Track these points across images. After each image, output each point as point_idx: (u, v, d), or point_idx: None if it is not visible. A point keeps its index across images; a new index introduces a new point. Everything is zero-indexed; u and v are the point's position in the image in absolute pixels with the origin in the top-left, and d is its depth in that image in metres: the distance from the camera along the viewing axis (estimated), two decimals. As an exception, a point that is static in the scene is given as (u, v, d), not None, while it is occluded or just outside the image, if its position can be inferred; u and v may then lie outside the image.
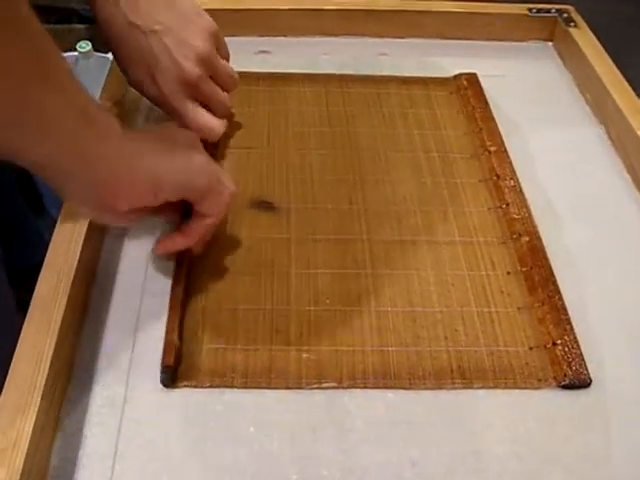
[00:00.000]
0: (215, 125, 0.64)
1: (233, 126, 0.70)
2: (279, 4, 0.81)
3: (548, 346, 0.53)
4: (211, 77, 0.63)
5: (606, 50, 0.77)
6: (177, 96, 0.61)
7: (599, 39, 0.79)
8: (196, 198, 0.52)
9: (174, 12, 0.62)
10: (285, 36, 0.83)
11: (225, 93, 0.65)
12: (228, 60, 0.66)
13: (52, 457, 0.46)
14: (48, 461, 0.46)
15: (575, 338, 0.53)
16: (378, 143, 0.70)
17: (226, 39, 0.81)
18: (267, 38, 0.82)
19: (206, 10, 0.79)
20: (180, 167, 0.51)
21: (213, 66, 0.63)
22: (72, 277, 0.52)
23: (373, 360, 0.52)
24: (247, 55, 0.80)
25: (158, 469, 0.46)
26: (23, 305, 0.51)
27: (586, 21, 0.82)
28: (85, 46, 1.39)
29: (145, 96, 0.64)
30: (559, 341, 0.53)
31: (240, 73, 0.75)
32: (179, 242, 0.55)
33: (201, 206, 0.53)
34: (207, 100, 0.64)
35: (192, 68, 0.61)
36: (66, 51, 1.46)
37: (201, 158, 0.53)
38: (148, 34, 0.60)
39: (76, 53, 1.40)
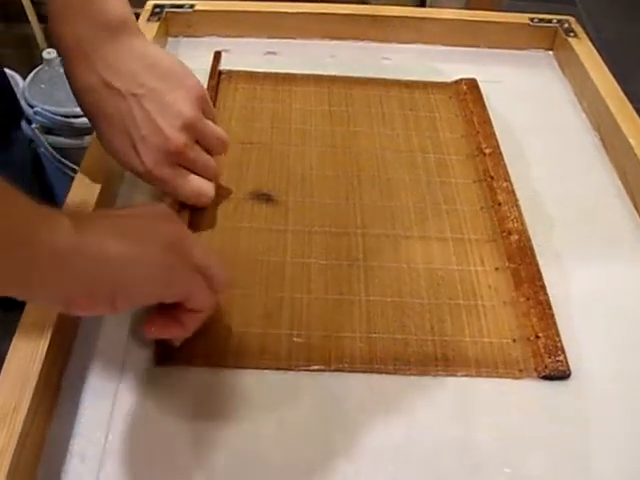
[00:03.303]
0: (205, 189, 0.60)
1: (237, 121, 0.73)
2: (287, 7, 0.84)
3: (531, 339, 0.55)
4: (198, 141, 0.59)
5: (614, 64, 0.79)
6: (161, 166, 0.56)
7: (607, 54, 0.81)
8: (177, 300, 0.47)
9: (157, 73, 0.56)
10: (292, 38, 0.85)
11: (211, 158, 0.60)
12: (215, 122, 0.61)
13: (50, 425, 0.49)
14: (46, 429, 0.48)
15: (557, 332, 0.55)
16: (377, 142, 0.72)
17: (234, 40, 0.84)
18: (274, 40, 0.85)
19: (216, 12, 0.83)
20: (150, 276, 0.44)
21: (200, 131, 0.58)
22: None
23: (360, 346, 0.54)
24: (255, 55, 0.83)
25: (151, 444, 0.48)
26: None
27: (596, 36, 0.84)
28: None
29: (124, 167, 0.58)
30: (541, 334, 0.55)
31: (247, 72, 0.78)
32: (174, 332, 0.50)
33: (188, 304, 0.47)
34: (194, 166, 0.59)
35: (177, 136, 0.56)
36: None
37: (178, 261, 0.46)
38: (128, 98, 0.55)
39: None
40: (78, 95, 0.56)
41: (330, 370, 0.52)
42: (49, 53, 1.51)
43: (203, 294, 0.48)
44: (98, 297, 0.42)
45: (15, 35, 2.29)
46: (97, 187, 0.60)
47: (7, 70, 1.41)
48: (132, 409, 0.50)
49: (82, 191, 0.60)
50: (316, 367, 0.52)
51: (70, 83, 0.56)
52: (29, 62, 1.77)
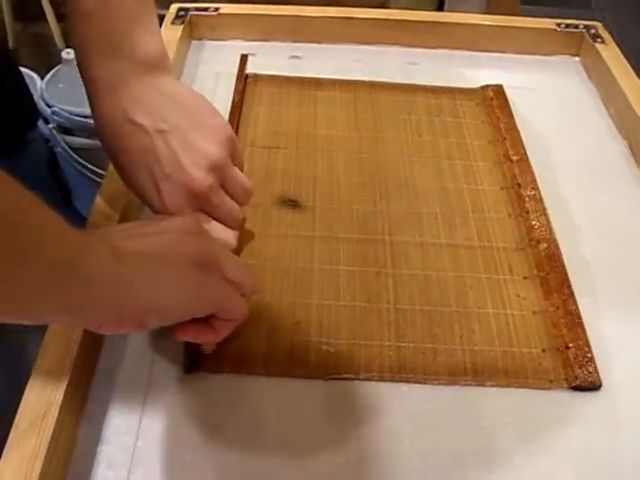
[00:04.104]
0: (228, 239, 0.56)
1: (263, 126, 0.72)
2: (312, 11, 0.84)
3: (561, 349, 0.54)
4: (222, 187, 0.55)
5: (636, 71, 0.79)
6: (181, 208, 0.53)
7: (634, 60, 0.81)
8: (210, 313, 0.47)
9: (184, 110, 0.54)
10: (317, 42, 0.85)
11: (237, 206, 0.57)
12: (242, 169, 0.58)
13: (79, 430, 0.48)
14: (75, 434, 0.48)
15: (587, 342, 0.54)
16: (403, 149, 0.72)
17: (258, 44, 0.84)
18: (299, 44, 0.85)
19: (240, 15, 0.83)
20: (181, 295, 0.44)
21: (225, 175, 0.55)
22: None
23: (390, 354, 0.54)
24: (279, 59, 0.83)
25: (179, 451, 0.48)
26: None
27: (621, 41, 0.83)
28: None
29: (145, 203, 0.56)
30: (572, 344, 0.54)
31: (272, 76, 0.78)
32: (206, 338, 0.49)
33: (220, 315, 0.48)
34: (216, 212, 0.55)
35: (202, 177, 0.52)
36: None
37: (208, 276, 0.46)
38: (152, 134, 0.52)
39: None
40: (100, 128, 0.55)
41: (360, 379, 0.52)
42: (68, 53, 1.52)
43: (235, 304, 0.48)
44: (128, 319, 0.42)
45: (33, 34, 2.30)
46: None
47: (24, 69, 1.42)
48: (161, 416, 0.50)
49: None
50: (346, 376, 0.52)
51: (93, 115, 0.55)
52: (47, 61, 1.77)
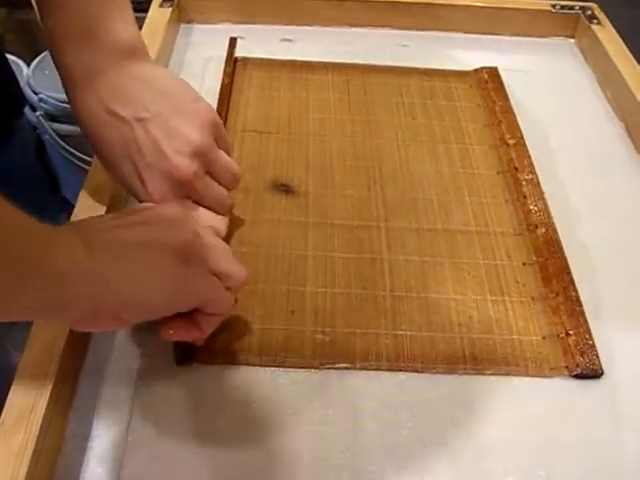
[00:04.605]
0: (216, 226, 0.54)
1: (254, 110, 0.71)
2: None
3: (561, 336, 0.53)
4: (208, 172, 0.53)
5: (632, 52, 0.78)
6: (167, 197, 0.51)
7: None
8: (194, 308, 0.45)
9: (165, 97, 0.52)
10: (309, 25, 0.83)
11: (225, 192, 0.55)
12: (230, 154, 0.56)
13: (68, 425, 0.47)
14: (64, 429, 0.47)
15: (588, 329, 0.53)
16: (398, 132, 0.70)
17: (249, 27, 0.82)
18: (291, 27, 0.83)
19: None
20: (162, 290, 0.42)
21: (211, 160, 0.53)
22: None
23: (386, 343, 0.52)
24: (271, 42, 0.81)
25: (171, 445, 0.46)
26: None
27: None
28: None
29: (130, 194, 0.54)
30: (572, 331, 0.53)
31: (263, 60, 0.76)
32: (192, 335, 0.47)
33: (205, 309, 0.46)
34: (203, 199, 0.53)
35: (185, 164, 0.50)
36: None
37: (191, 270, 0.44)
38: (132, 123, 0.51)
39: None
40: (80, 121, 0.52)
41: (356, 368, 0.51)
42: (54, 39, 1.49)
43: (221, 298, 0.46)
44: (106, 315, 0.41)
45: (18, 21, 2.26)
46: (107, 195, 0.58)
47: (10, 56, 1.39)
48: (152, 410, 0.48)
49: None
50: (342, 365, 0.51)
51: (71, 106, 0.53)
52: (33, 48, 1.74)
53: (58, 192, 1.45)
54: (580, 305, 0.55)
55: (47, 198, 1.33)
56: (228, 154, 0.55)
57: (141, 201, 0.52)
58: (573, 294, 0.55)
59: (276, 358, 0.51)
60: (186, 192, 0.52)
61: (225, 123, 0.68)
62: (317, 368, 0.51)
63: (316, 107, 0.72)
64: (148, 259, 0.42)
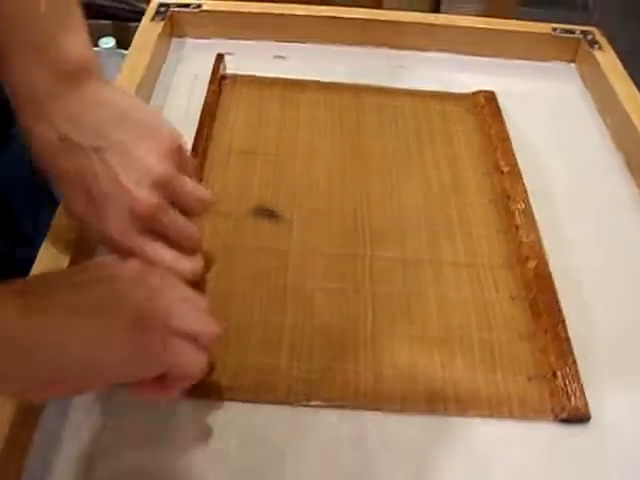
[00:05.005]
0: (182, 268, 0.49)
1: (241, 130, 0.69)
2: (298, 9, 0.80)
3: (548, 377, 0.51)
4: (173, 203, 0.49)
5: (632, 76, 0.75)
6: (127, 233, 0.47)
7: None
8: (156, 375, 0.41)
9: (123, 123, 0.48)
10: (302, 42, 0.81)
11: (192, 224, 0.50)
12: (196, 176, 0.52)
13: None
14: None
15: (577, 370, 0.51)
16: (389, 156, 0.68)
17: (242, 42, 0.81)
18: (284, 43, 0.81)
19: (224, 13, 0.79)
20: (116, 359, 0.39)
21: (175, 189, 0.48)
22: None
23: (366, 380, 0.50)
24: (262, 59, 0.79)
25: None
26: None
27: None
28: (108, 42, 1.39)
29: (88, 232, 0.50)
30: (559, 372, 0.51)
31: (252, 77, 0.75)
32: (159, 395, 0.44)
33: (171, 374, 0.41)
34: (168, 234, 0.49)
35: (146, 196, 0.46)
36: (89, 46, 1.47)
37: (150, 336, 0.40)
38: (89, 153, 0.46)
39: (98, 49, 1.40)
40: (34, 152, 0.48)
41: (332, 406, 0.49)
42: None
43: (188, 362, 0.42)
44: (54, 385, 0.38)
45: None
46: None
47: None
48: (117, 446, 0.46)
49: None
50: (316, 403, 0.49)
51: (25, 137, 0.48)
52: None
53: (54, 201, 1.43)
54: (569, 344, 0.52)
55: (43, 207, 1.31)
56: (196, 179, 0.52)
57: (100, 241, 0.49)
58: (562, 333, 0.53)
59: (248, 393, 0.49)
60: (148, 227, 0.47)
61: (208, 143, 0.66)
62: (291, 404, 0.49)
63: (306, 128, 0.70)
64: (101, 323, 0.39)
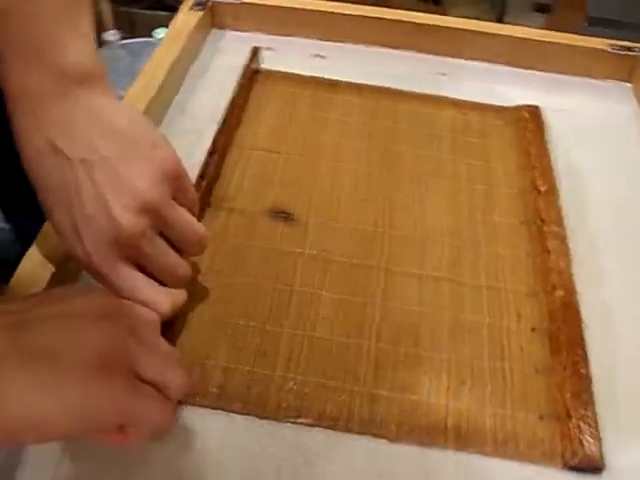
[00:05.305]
0: (157, 301, 0.45)
1: (268, 126, 0.66)
2: (342, 8, 0.77)
3: (561, 417, 0.47)
4: (162, 234, 0.46)
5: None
6: (106, 258, 0.43)
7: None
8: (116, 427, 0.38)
9: (117, 138, 0.44)
10: (344, 42, 0.78)
11: (179, 258, 0.47)
12: (193, 208, 0.48)
13: None
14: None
15: (594, 413, 0.46)
16: (419, 166, 0.64)
17: (282, 38, 0.78)
18: (325, 42, 0.78)
19: (265, 6, 0.76)
20: (69, 411, 0.35)
21: (166, 218, 0.45)
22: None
23: (362, 402, 0.47)
24: (301, 57, 0.76)
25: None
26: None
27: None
28: (161, 32, 1.40)
29: (67, 250, 0.46)
30: (574, 414, 0.46)
31: (286, 74, 0.72)
32: (119, 443, 0.40)
33: (132, 429, 0.39)
34: (151, 265, 0.45)
35: (130, 221, 0.42)
36: (143, 36, 1.48)
37: (109, 387, 0.36)
38: (75, 164, 0.43)
39: (149, 39, 1.40)
40: (23, 158, 0.45)
41: (321, 426, 0.45)
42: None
43: (150, 415, 0.39)
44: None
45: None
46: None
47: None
48: (87, 460, 0.43)
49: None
50: (304, 421, 0.45)
51: (16, 142, 0.45)
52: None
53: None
54: (589, 383, 0.48)
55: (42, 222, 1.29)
56: (193, 211, 0.48)
57: (76, 259, 0.45)
58: (583, 370, 0.49)
59: (235, 403, 0.46)
60: (130, 254, 0.44)
61: (232, 139, 0.64)
62: (278, 420, 0.45)
63: (335, 130, 0.67)
64: (54, 366, 0.35)
